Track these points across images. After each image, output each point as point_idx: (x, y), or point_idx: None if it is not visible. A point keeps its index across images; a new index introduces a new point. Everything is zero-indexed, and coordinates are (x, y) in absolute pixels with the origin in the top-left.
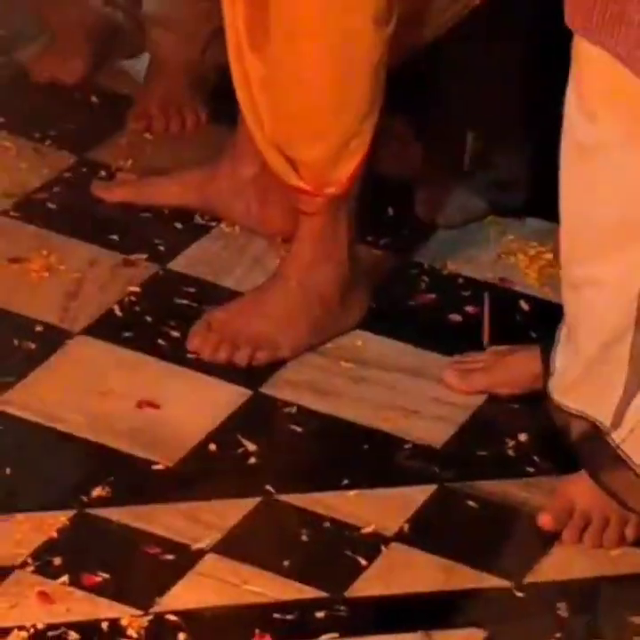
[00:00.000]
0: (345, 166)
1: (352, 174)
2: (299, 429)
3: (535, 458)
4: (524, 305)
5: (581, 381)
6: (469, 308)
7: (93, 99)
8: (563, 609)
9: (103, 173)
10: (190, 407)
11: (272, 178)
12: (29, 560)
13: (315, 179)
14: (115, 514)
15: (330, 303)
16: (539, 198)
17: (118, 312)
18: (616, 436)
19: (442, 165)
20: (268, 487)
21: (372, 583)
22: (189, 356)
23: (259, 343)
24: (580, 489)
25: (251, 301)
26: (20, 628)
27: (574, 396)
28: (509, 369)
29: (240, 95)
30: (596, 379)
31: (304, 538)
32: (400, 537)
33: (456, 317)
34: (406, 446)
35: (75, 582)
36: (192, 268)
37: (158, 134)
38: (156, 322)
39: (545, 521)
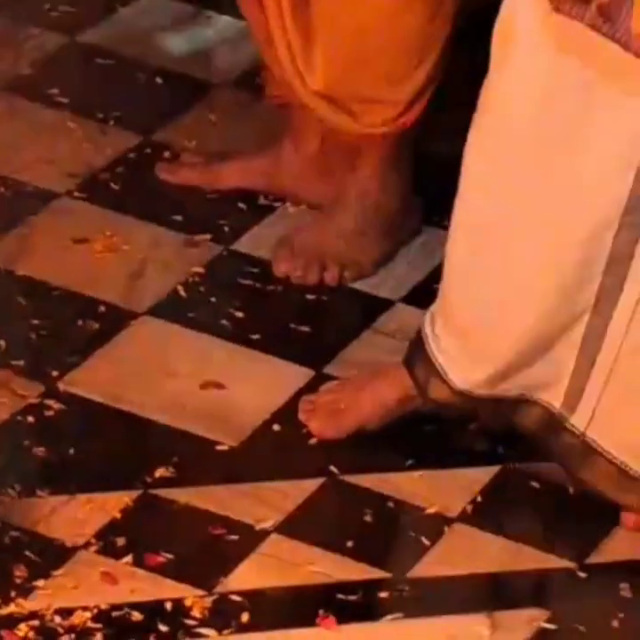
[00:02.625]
0: (421, 103)
1: (422, 110)
2: None
3: None
4: None
5: (526, 364)
6: None
7: (157, 79)
8: (626, 590)
9: (167, 154)
10: (254, 387)
11: (333, 149)
12: (93, 540)
13: (387, 120)
14: (178, 494)
15: (394, 215)
16: None
17: (182, 293)
18: (578, 423)
19: None
20: (332, 467)
21: (435, 564)
22: (253, 336)
23: (344, 262)
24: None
25: (325, 222)
26: (84, 608)
27: (511, 382)
28: (370, 405)
29: (281, 52)
30: (546, 363)
31: (367, 518)
32: (463, 518)
33: None
34: (470, 427)
35: (138, 562)
36: (256, 249)
37: (222, 115)
38: (219, 302)
39: (631, 522)
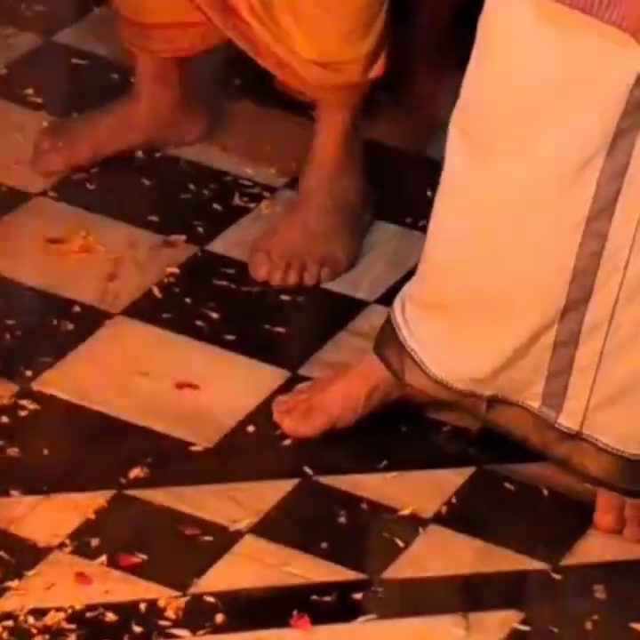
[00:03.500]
0: (385, 49)
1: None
2: None
3: None
4: None
5: (504, 368)
6: None
7: (132, 79)
8: (600, 591)
9: (140, 154)
10: (229, 388)
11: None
12: (67, 541)
13: (363, 69)
14: (153, 495)
15: (356, 208)
16: None
17: (157, 293)
18: (569, 423)
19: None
20: (307, 469)
21: (409, 565)
22: (228, 337)
23: (321, 260)
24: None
25: (295, 222)
26: (58, 608)
27: (493, 383)
28: (340, 399)
29: (257, 28)
30: (518, 367)
31: (342, 520)
32: (438, 519)
33: None
34: (445, 428)
35: (112, 563)
36: (231, 250)
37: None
38: (194, 303)
39: (603, 523)
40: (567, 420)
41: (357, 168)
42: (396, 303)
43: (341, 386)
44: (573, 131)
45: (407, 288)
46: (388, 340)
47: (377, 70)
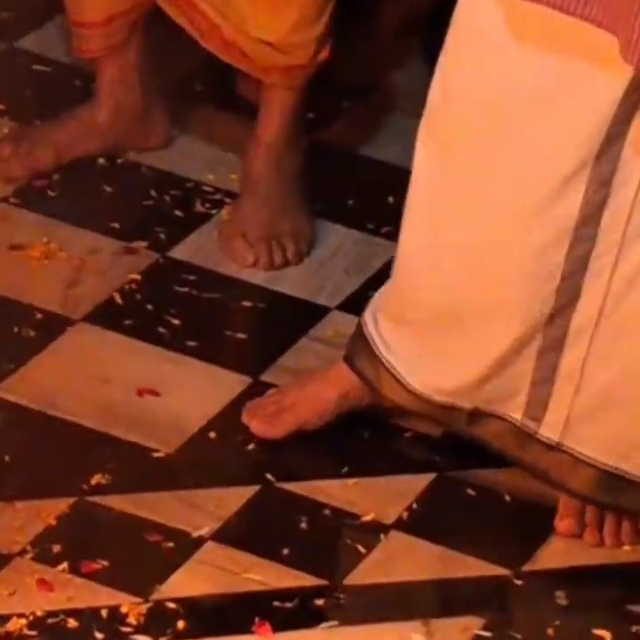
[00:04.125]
0: (330, 35)
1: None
2: None
3: None
4: None
5: (487, 379)
6: None
7: (94, 86)
8: (561, 597)
9: (102, 161)
10: (190, 395)
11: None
12: (29, 547)
13: (313, 52)
14: (114, 501)
15: (301, 180)
16: None
17: (119, 300)
18: (549, 433)
19: None
20: (268, 475)
21: (371, 571)
22: (189, 343)
23: (295, 236)
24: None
25: (258, 204)
26: (20, 615)
27: (474, 395)
28: (310, 402)
29: (204, 7)
30: (501, 377)
31: (303, 526)
32: (399, 525)
33: None
34: (406, 434)
35: (74, 570)
36: (192, 256)
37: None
38: (156, 309)
39: (563, 527)
40: (548, 431)
41: (301, 143)
42: (367, 315)
43: (311, 390)
44: (557, 141)
45: (379, 299)
46: (361, 352)
47: (324, 53)
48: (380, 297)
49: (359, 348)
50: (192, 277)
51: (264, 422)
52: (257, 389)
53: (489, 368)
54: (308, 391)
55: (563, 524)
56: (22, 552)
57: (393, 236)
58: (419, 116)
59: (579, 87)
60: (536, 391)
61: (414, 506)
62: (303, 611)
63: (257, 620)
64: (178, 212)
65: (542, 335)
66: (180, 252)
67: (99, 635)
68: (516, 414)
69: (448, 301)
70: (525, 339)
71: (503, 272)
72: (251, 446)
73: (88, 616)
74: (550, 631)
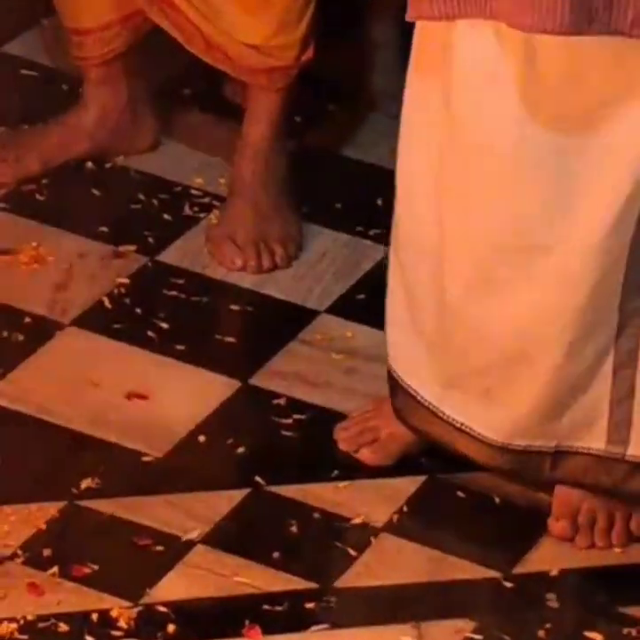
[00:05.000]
0: (314, 36)
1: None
2: (288, 421)
3: None
4: None
5: (567, 407)
6: None
7: (81, 90)
8: (552, 600)
9: (90, 165)
10: (179, 398)
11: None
12: (19, 552)
13: (297, 54)
14: (104, 505)
15: (288, 181)
16: None
17: (108, 304)
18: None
19: None
20: (258, 478)
21: (361, 574)
22: (178, 347)
23: (283, 240)
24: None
25: (246, 207)
26: (10, 619)
27: (556, 429)
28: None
29: (187, 10)
30: (579, 405)
31: (293, 529)
32: (389, 528)
33: None
34: None
35: (64, 574)
36: (181, 260)
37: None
38: (145, 313)
39: (558, 529)
40: (637, 450)
41: (287, 146)
42: (414, 383)
43: None
44: None
45: (423, 369)
46: (422, 417)
47: (308, 54)
48: (421, 365)
49: (417, 413)
50: (181, 281)
51: (372, 452)
52: (246, 393)
53: (565, 397)
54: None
55: (558, 525)
56: (12, 556)
57: (381, 238)
58: None
59: None
60: (616, 412)
61: (405, 508)
62: (294, 614)
63: (247, 623)
64: (166, 216)
65: (615, 350)
66: (168, 256)
67: (89, 638)
68: (600, 445)
69: (504, 348)
70: (599, 357)
71: (562, 299)
72: (240, 450)
73: (78, 620)
74: (541, 633)
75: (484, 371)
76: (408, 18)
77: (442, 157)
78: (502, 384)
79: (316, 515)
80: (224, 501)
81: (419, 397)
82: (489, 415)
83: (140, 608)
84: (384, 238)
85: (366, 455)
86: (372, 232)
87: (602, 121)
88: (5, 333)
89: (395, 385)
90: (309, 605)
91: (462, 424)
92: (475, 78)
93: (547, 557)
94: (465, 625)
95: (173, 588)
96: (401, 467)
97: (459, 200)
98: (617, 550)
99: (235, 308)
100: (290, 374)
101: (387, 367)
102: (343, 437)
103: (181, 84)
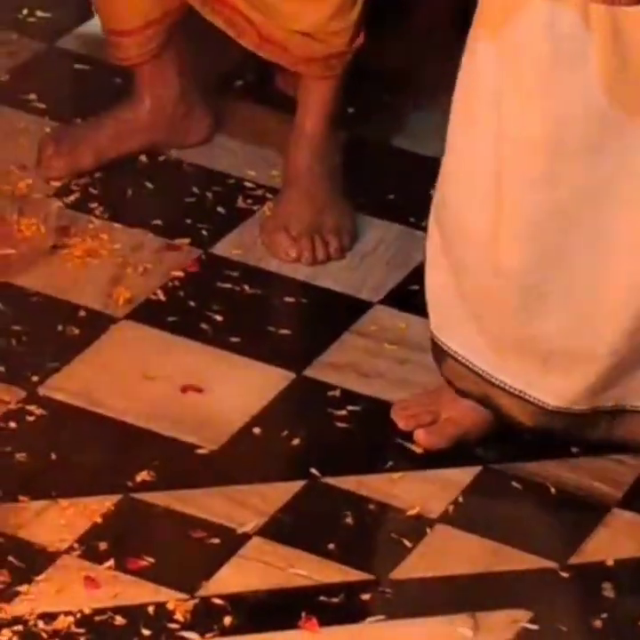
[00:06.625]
0: (364, 20)
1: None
2: (342, 412)
3: None
4: None
5: (620, 367)
6: None
7: (134, 84)
8: (608, 589)
9: (143, 158)
10: (234, 391)
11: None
12: (75, 545)
13: (349, 39)
14: (159, 498)
15: (340, 170)
16: None
17: (162, 297)
18: None
19: None
20: (313, 470)
21: (417, 565)
22: (233, 339)
23: (337, 231)
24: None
25: (301, 197)
26: (67, 613)
27: (612, 390)
28: (470, 417)
29: (239, 4)
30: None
31: (349, 520)
32: (445, 519)
33: None
34: None
35: (120, 567)
36: (234, 253)
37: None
38: (199, 306)
39: (420, 437)
40: None
41: (341, 136)
42: (471, 356)
43: (468, 405)
44: None
45: (472, 335)
46: (482, 390)
47: (360, 39)
48: (475, 340)
49: (476, 386)
50: (234, 273)
51: (428, 433)
52: (300, 385)
53: (619, 356)
54: (465, 406)
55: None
56: (69, 550)
57: None
58: None
59: None
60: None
61: (460, 499)
62: (349, 605)
63: (303, 615)
64: (220, 209)
65: None
66: (222, 249)
67: (146, 631)
68: None
69: (564, 324)
70: None
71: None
72: (295, 442)
73: (135, 613)
74: (598, 623)
75: (546, 337)
76: None
77: (501, 119)
78: (564, 352)
79: (371, 506)
80: (279, 493)
81: (467, 362)
82: (547, 382)
83: (196, 600)
84: None
85: (422, 436)
86: (424, 223)
87: None
88: (60, 327)
89: (440, 351)
90: (365, 597)
91: (521, 392)
92: (547, 51)
93: (603, 547)
94: (521, 615)
95: (229, 580)
96: (456, 457)
97: (522, 170)
98: None
99: (289, 299)
100: (344, 366)
101: (429, 335)
102: (402, 416)
103: (234, 77)
